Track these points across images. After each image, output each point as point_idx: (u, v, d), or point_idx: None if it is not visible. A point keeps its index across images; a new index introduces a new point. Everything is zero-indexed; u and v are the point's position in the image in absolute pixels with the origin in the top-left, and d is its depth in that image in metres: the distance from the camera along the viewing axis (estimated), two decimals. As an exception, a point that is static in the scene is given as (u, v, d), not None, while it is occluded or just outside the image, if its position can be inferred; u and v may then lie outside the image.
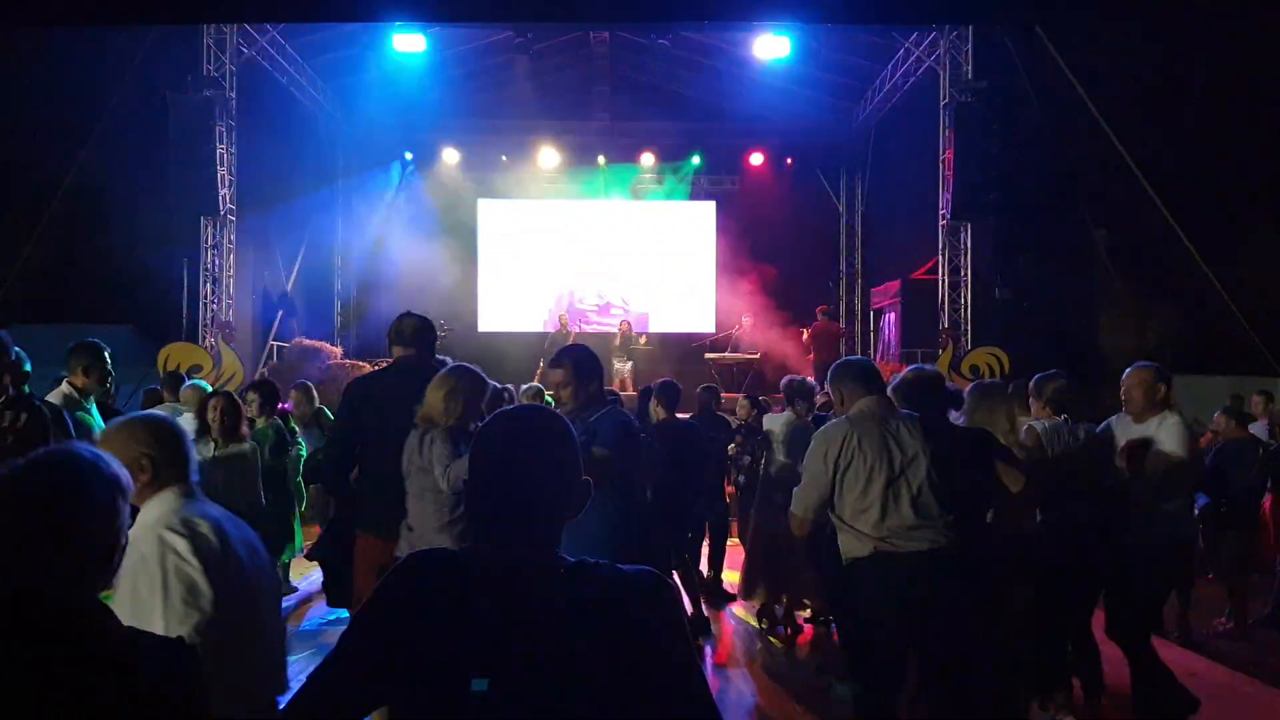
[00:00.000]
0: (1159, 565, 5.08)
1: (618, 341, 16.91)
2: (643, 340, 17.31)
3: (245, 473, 5.94)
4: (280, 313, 16.72)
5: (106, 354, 5.82)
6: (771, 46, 14.94)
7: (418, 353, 4.81)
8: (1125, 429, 5.22)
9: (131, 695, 1.58)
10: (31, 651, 1.56)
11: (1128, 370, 5.27)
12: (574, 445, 1.84)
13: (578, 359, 4.31)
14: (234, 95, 14.20)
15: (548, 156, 19.50)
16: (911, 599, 4.07)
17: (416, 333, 4.83)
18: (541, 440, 1.80)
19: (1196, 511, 8.00)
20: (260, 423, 7.04)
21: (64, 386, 5.84)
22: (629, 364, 16.46)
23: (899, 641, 4.16)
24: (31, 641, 1.57)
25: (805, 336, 16.57)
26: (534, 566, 1.73)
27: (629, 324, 17.43)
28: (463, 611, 1.68)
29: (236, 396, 6.37)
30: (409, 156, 19.62)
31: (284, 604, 7.28)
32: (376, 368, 9.64)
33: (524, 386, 8.82)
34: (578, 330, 17.75)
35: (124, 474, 1.76)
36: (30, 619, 1.59)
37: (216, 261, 14.45)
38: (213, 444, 5.91)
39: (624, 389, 14.75)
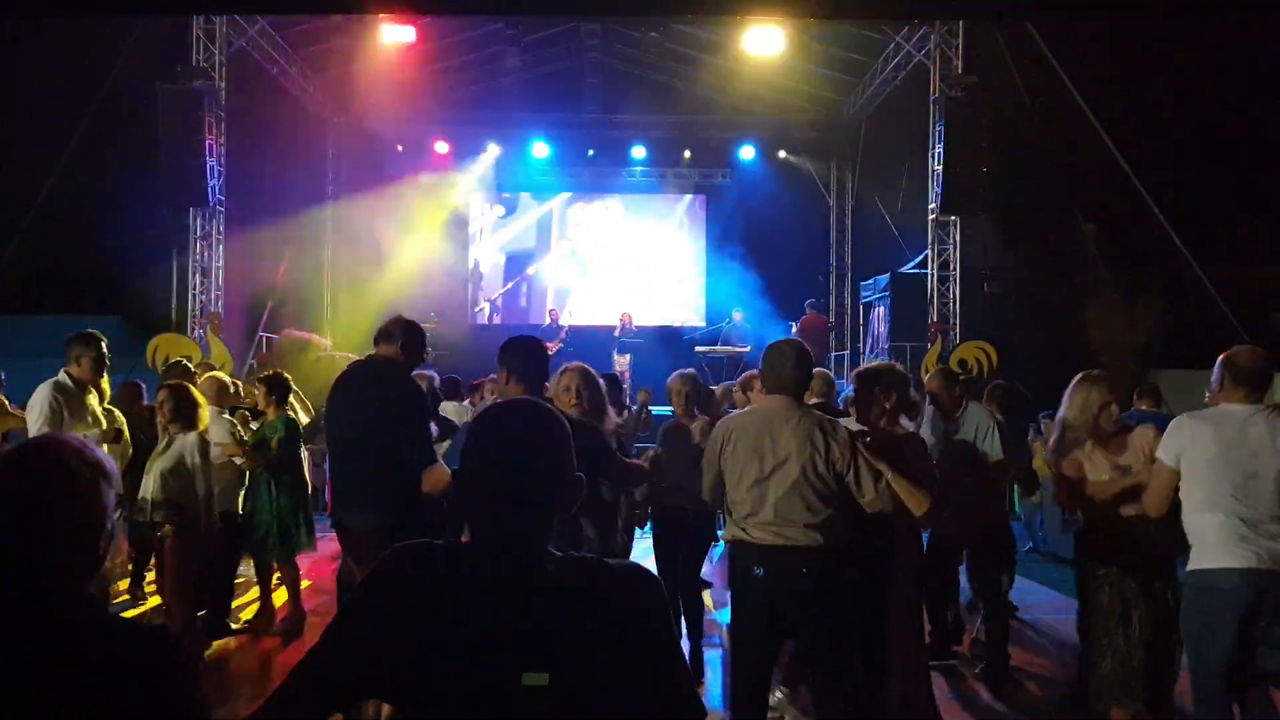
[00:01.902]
0: None
1: (618, 334, 16.95)
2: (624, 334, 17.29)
3: (184, 466, 5.85)
4: (269, 304, 16.66)
5: (104, 345, 5.88)
6: (762, 40, 14.92)
7: (390, 349, 4.88)
8: None
9: (117, 684, 1.58)
10: (15, 639, 1.56)
11: None
12: (567, 441, 1.84)
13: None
14: (223, 86, 14.14)
15: (538, 148, 19.48)
16: (764, 590, 4.20)
17: (389, 331, 4.92)
18: (534, 435, 1.81)
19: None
20: (270, 415, 7.04)
21: (60, 375, 5.89)
22: (628, 356, 16.47)
23: (753, 629, 4.30)
24: (15, 629, 1.57)
25: (794, 330, 16.65)
26: (523, 559, 1.74)
27: (629, 317, 17.46)
28: (453, 604, 1.69)
29: (187, 385, 6.35)
30: (399, 149, 19.56)
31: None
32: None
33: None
34: (569, 324, 17.72)
35: (108, 460, 1.76)
36: (14, 607, 1.59)
37: (205, 252, 14.40)
38: (165, 436, 5.91)
39: (624, 382, 14.71)
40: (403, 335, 4.89)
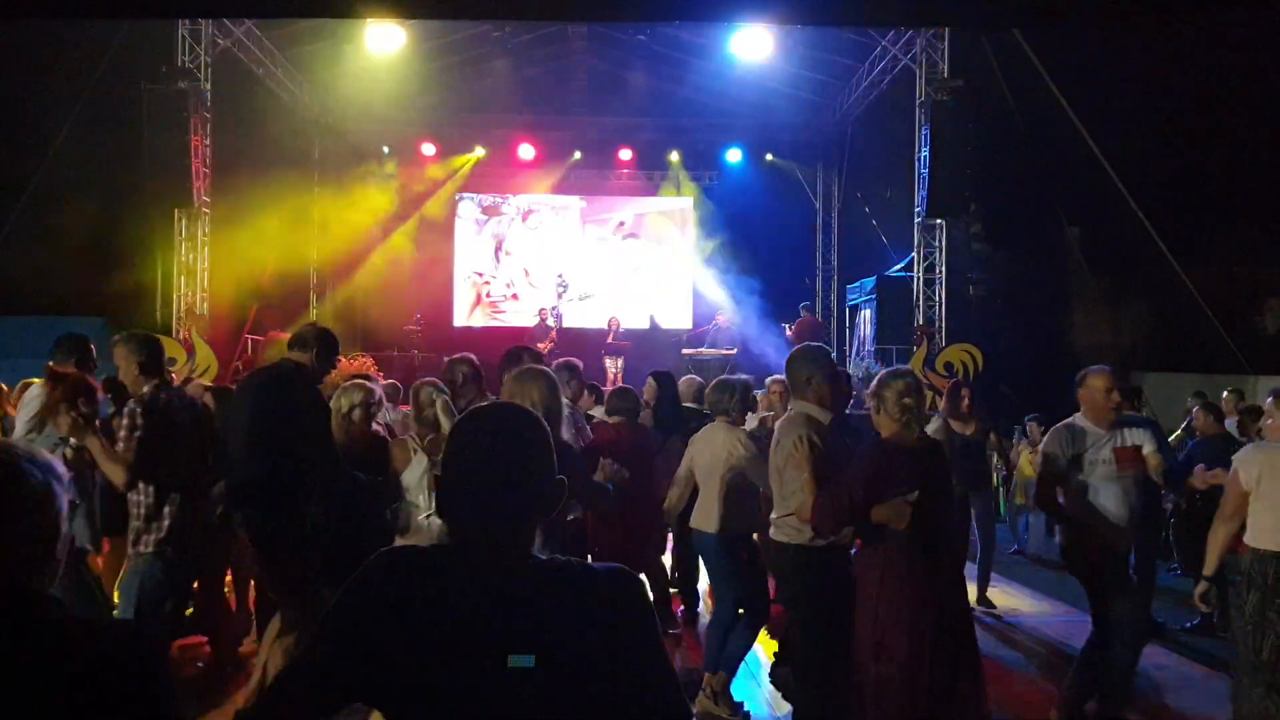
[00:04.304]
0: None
1: (609, 338, 16.96)
2: (614, 338, 17.32)
3: None
4: (254, 306, 16.59)
5: (92, 347, 5.94)
6: (750, 43, 14.96)
7: (304, 356, 5.10)
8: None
9: (84, 685, 1.56)
10: None
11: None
12: (549, 444, 1.85)
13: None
14: (209, 87, 14.09)
15: (525, 150, 19.46)
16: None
17: (304, 338, 5.15)
18: (516, 438, 1.81)
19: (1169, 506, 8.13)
20: None
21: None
22: (620, 360, 16.49)
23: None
24: None
25: (789, 332, 16.74)
26: (507, 563, 1.74)
27: (617, 320, 17.48)
28: (436, 606, 1.69)
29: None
30: (384, 150, 19.52)
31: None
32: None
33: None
34: (556, 325, 17.70)
35: (58, 464, 1.75)
36: None
37: (190, 254, 14.34)
38: None
39: (615, 384, 14.72)
40: (316, 344, 5.09)
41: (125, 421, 4.62)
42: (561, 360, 6.27)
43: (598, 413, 6.77)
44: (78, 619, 1.67)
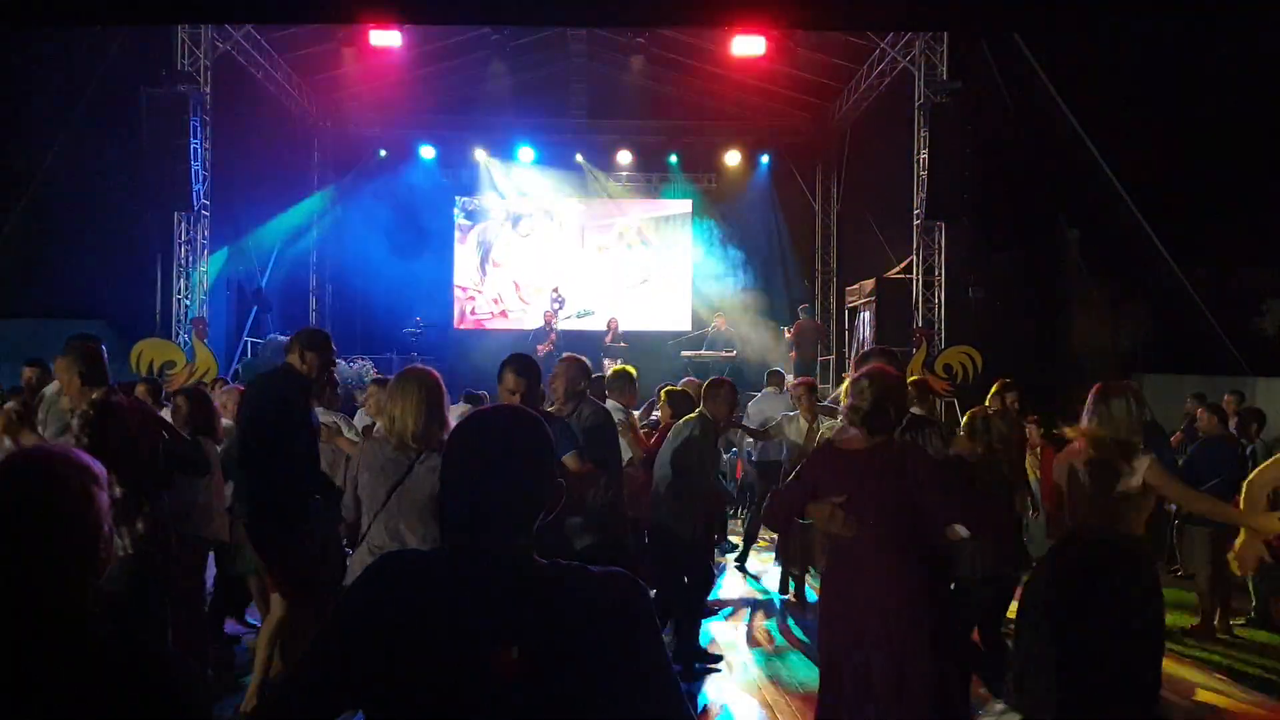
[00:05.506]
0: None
1: (608, 339, 16.96)
2: (613, 340, 17.32)
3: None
4: (255, 309, 16.62)
5: (103, 348, 5.96)
6: (748, 46, 14.95)
7: (292, 358, 5.12)
8: None
9: (108, 705, 1.56)
10: (6, 657, 1.54)
11: None
12: (548, 446, 1.85)
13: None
14: (208, 89, 14.07)
15: (524, 153, 19.45)
16: None
17: (291, 342, 5.23)
18: (514, 441, 1.81)
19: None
20: None
21: None
22: (619, 361, 16.48)
23: None
24: (7, 646, 1.55)
25: (789, 334, 16.75)
26: (506, 567, 1.74)
27: (616, 321, 17.47)
28: (438, 613, 1.69)
29: (204, 390, 6.38)
30: (383, 154, 19.49)
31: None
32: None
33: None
34: (556, 328, 17.68)
35: (96, 464, 1.74)
36: (8, 622, 1.57)
37: (190, 257, 14.34)
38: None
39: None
40: (296, 344, 5.13)
41: (76, 424, 4.55)
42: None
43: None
44: (110, 635, 1.65)
